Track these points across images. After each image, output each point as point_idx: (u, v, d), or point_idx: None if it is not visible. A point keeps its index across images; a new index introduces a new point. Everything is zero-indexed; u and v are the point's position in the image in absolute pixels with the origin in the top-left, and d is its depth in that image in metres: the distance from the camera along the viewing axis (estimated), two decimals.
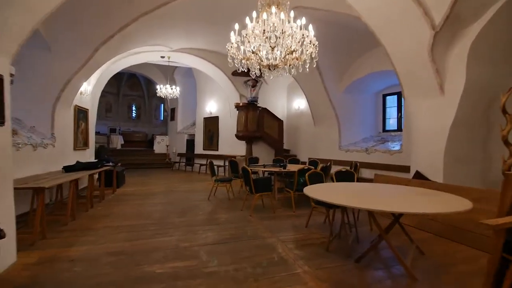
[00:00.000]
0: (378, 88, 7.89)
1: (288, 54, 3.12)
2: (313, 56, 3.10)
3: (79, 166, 4.85)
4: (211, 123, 10.85)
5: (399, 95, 7.65)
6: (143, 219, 4.37)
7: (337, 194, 3.19)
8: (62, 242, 3.35)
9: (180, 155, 12.56)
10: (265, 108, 8.52)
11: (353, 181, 4.38)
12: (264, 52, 3.14)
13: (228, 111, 9.82)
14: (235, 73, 8.57)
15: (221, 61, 8.44)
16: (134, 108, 18.44)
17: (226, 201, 5.75)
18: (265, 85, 9.19)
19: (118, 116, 17.62)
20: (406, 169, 5.87)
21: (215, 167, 8.77)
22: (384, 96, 8.06)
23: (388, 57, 4.69)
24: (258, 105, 8.32)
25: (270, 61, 3.18)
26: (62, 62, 5.12)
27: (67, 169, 4.64)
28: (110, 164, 5.93)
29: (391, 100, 7.96)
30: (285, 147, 9.30)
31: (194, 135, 11.98)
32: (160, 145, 13.96)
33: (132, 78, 17.31)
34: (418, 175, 4.51)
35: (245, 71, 3.42)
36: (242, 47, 3.19)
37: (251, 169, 4.82)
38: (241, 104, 8.30)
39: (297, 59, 3.18)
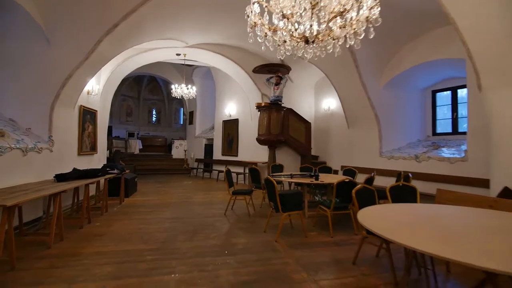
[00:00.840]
0: (426, 84, 6.62)
1: (334, 18, 2.14)
2: (372, 19, 2.09)
3: (74, 175, 4.15)
4: (231, 126, 10.03)
5: (454, 91, 6.34)
6: (143, 242, 3.52)
7: (410, 227, 2.12)
8: (32, 277, 2.57)
9: (198, 160, 11.86)
10: (290, 109, 7.53)
11: (414, 200, 3.27)
12: (298, 28, 2.18)
13: (248, 113, 8.94)
14: (257, 70, 7.70)
15: (241, 57, 7.61)
16: (154, 112, 18.19)
17: (246, 218, 4.80)
18: (290, 83, 8.21)
19: (139, 120, 17.42)
20: (474, 182, 4.61)
21: (234, 174, 7.91)
22: (434, 92, 6.76)
23: (457, 35, 3.53)
24: (282, 105, 7.35)
25: (308, 31, 2.21)
26: (61, 55, 4.51)
27: (60, 178, 3.94)
28: (115, 171, 5.22)
29: (443, 98, 6.64)
30: (313, 153, 8.21)
31: (212, 139, 11.24)
32: (178, 150, 13.38)
33: (153, 81, 17.08)
34: (508, 193, 3.28)
35: (271, 49, 2.47)
36: (266, 12, 2.26)
37: (275, 180, 3.84)
38: (263, 104, 7.38)
39: (346, 27, 2.18)
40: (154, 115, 18.21)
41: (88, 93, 5.94)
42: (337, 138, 7.83)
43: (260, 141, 7.51)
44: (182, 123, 17.86)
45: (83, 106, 5.68)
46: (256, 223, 4.48)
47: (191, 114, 13.08)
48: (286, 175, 5.07)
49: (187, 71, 11.42)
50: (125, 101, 16.84)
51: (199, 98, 12.33)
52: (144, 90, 17.37)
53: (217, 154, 10.70)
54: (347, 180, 3.85)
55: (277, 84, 7.34)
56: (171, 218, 4.68)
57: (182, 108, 17.37)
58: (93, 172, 4.43)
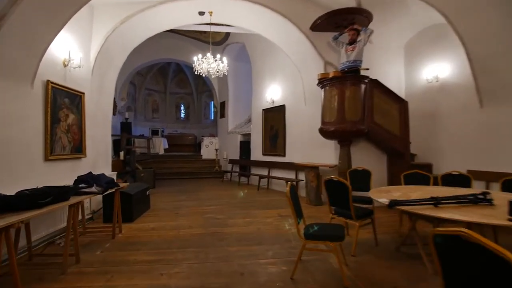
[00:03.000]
0: None
1: None
2: None
3: None
4: (274, 116, 7.52)
5: None
6: None
7: None
8: None
9: (232, 162, 9.56)
10: (376, 80, 4.79)
11: None
12: None
13: (301, 95, 6.34)
14: (318, 25, 5.06)
15: (292, 8, 5.06)
16: (182, 107, 16.39)
17: None
18: (367, 45, 5.39)
19: (166, 117, 15.72)
20: None
21: (281, 182, 5.37)
22: None
23: None
24: (363, 73, 4.64)
25: None
26: None
27: None
28: (93, 188, 3.00)
29: None
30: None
31: (249, 135, 8.85)
32: (208, 149, 11.25)
33: (180, 73, 15.25)
34: None
35: None
36: None
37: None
38: (330, 76, 4.74)
39: None
40: (182, 111, 16.41)
41: (64, 64, 3.83)
42: (454, 124, 4.85)
43: (326, 133, 4.88)
44: (213, 118, 15.83)
45: (53, 83, 3.56)
46: None
47: (222, 105, 10.83)
48: (424, 201, 2.37)
49: (215, 52, 9.13)
50: (151, 96, 15.22)
51: (232, 84, 10.04)
52: (170, 83, 15.60)
53: (257, 153, 8.27)
54: None
55: (351, 42, 4.66)
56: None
57: (212, 102, 15.31)
58: (34, 198, 2.21)
